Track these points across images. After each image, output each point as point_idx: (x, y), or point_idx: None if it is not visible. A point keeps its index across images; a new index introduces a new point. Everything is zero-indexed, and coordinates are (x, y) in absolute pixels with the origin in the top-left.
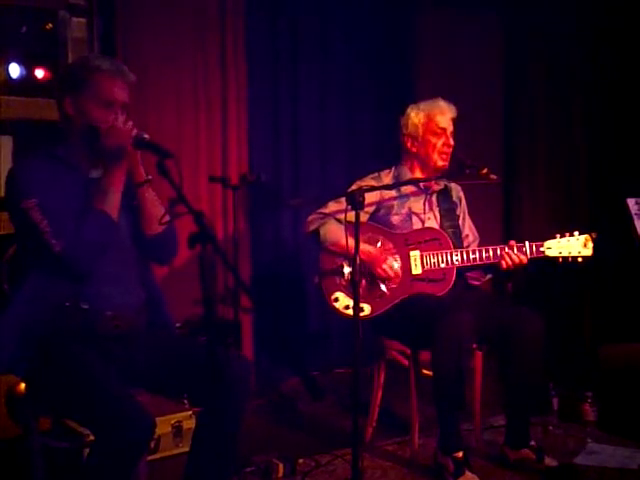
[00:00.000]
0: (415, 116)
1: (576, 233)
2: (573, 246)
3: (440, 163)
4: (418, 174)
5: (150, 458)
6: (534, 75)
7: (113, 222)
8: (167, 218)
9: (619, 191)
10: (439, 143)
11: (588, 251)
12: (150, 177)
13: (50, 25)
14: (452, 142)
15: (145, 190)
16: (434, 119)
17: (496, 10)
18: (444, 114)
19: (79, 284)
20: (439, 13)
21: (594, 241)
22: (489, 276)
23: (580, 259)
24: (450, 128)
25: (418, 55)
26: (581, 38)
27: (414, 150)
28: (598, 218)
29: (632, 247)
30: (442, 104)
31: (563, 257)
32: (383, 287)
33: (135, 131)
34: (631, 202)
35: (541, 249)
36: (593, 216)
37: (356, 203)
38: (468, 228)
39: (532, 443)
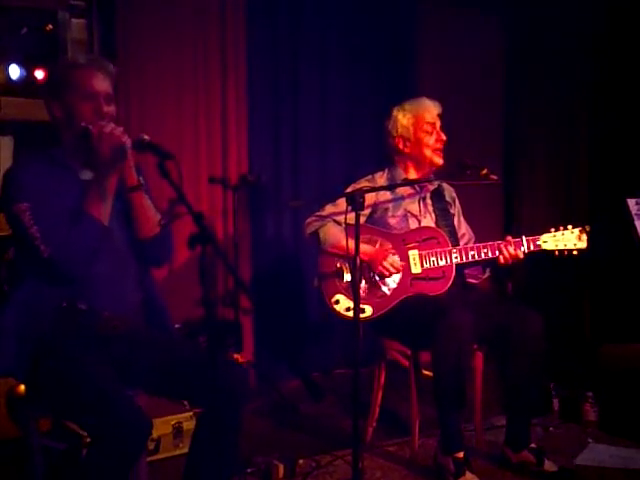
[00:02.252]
0: (403, 117)
1: (570, 226)
2: (568, 239)
3: (436, 159)
4: (412, 174)
5: (150, 459)
6: (534, 75)
7: (104, 227)
8: (164, 221)
9: (619, 191)
10: (431, 140)
11: (583, 244)
12: (142, 182)
13: (50, 26)
14: (444, 137)
15: (137, 195)
16: (422, 117)
17: (497, 10)
18: (430, 111)
19: (74, 285)
20: (440, 13)
21: (588, 234)
22: (487, 274)
23: (575, 252)
24: (438, 122)
25: (419, 55)
26: (581, 38)
27: (407, 151)
28: (598, 218)
29: (632, 247)
30: (427, 101)
31: (559, 250)
32: (384, 288)
33: (126, 136)
34: (631, 202)
35: (537, 243)
36: (593, 216)
37: (356, 204)
38: (464, 228)
39: (532, 445)
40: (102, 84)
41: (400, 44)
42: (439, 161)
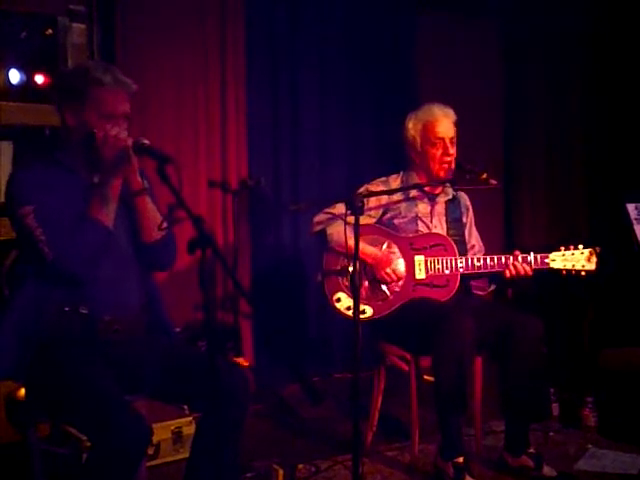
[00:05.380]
0: (413, 127)
1: (580, 246)
2: (577, 260)
3: (442, 174)
4: (423, 180)
5: (150, 464)
6: (533, 78)
7: (108, 231)
8: (165, 225)
9: (619, 196)
10: (438, 153)
11: (592, 265)
12: (147, 186)
13: (50, 31)
14: (452, 151)
15: (142, 199)
16: (431, 129)
17: (495, 12)
18: (441, 121)
19: (77, 289)
20: (439, 15)
21: (598, 256)
22: (493, 287)
23: (583, 273)
24: (450, 134)
25: (418, 58)
26: (581, 40)
27: (417, 161)
28: (598, 224)
29: (632, 252)
30: (437, 112)
31: (567, 270)
32: (386, 290)
33: (130, 141)
34: (631, 207)
35: (546, 260)
36: (593, 222)
37: (355, 208)
38: (475, 239)
39: (531, 450)
40: (124, 105)
41: (400, 48)
42: (444, 175)
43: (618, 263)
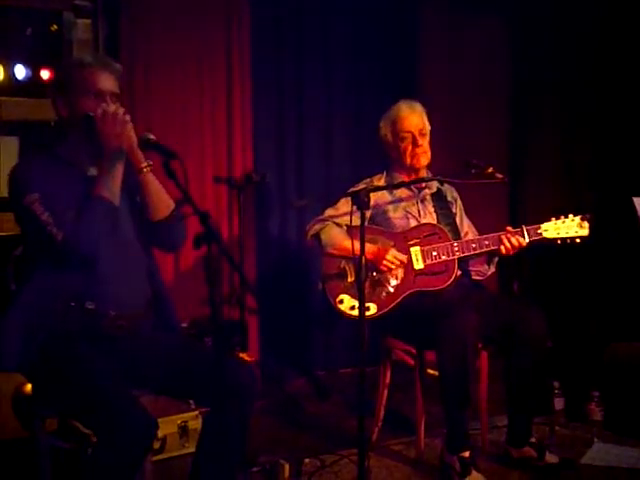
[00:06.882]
0: (384, 126)
1: (571, 215)
2: (569, 227)
3: (417, 164)
4: (405, 178)
5: (156, 458)
6: (539, 75)
7: (113, 206)
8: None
9: (625, 190)
10: (409, 147)
11: (584, 231)
12: (151, 162)
13: (55, 26)
14: (422, 142)
15: (146, 175)
16: (399, 125)
17: (500, 10)
18: (407, 116)
19: (83, 283)
20: (443, 12)
21: (590, 221)
22: (492, 270)
23: (578, 240)
24: (418, 126)
25: (423, 55)
26: (587, 35)
27: (394, 157)
28: (604, 218)
29: (638, 245)
30: (403, 107)
31: (561, 238)
32: (387, 285)
33: (129, 116)
34: (637, 201)
35: (538, 231)
36: (600, 217)
37: (362, 203)
38: (467, 226)
39: (532, 440)
40: (108, 83)
41: (404, 45)
42: (418, 163)
43: (621, 250)
